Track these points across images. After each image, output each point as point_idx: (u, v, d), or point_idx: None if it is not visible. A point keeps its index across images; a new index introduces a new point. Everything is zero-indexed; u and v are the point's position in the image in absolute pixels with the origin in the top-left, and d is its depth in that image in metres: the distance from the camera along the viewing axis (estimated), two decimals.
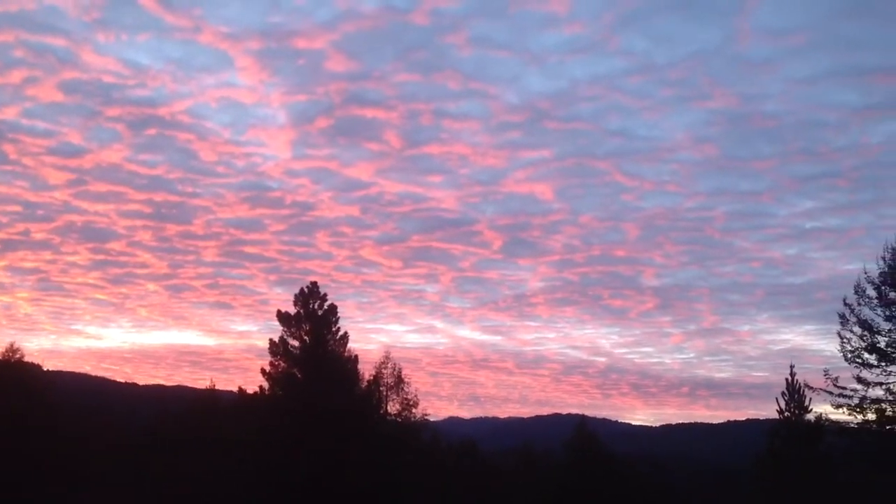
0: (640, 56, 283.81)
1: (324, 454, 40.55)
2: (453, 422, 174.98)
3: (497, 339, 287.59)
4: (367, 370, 47.00)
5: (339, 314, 45.53)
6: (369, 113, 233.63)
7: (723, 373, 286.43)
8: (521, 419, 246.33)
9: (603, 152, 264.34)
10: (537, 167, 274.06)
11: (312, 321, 44.57)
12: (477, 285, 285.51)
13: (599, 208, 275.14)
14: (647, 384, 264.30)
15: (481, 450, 71.85)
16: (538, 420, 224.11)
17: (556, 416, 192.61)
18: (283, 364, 44.13)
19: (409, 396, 47.56)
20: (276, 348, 44.16)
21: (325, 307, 45.18)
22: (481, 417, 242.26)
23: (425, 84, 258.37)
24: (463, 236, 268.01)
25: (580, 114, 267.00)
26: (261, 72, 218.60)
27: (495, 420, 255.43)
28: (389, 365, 47.88)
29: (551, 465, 66.23)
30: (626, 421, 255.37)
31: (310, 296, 45.16)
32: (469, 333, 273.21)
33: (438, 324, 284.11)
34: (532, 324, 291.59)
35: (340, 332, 45.20)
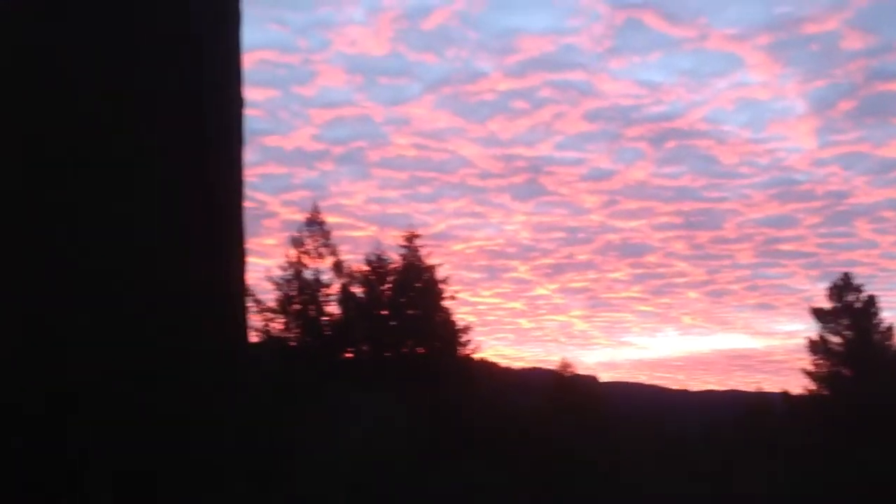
0: None
1: (884, 460, 37.40)
2: None
3: None
4: None
5: (878, 304, 42.11)
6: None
7: None
8: None
9: None
10: None
11: (851, 315, 41.78)
12: None
13: None
14: None
15: None
16: None
17: None
18: (825, 362, 42.01)
19: None
20: (816, 346, 42.21)
21: (864, 299, 42.05)
22: None
23: None
24: None
25: None
26: (773, 65, 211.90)
27: None
28: None
29: None
30: None
31: (844, 288, 42.42)
32: None
33: None
34: None
35: (884, 324, 41.69)
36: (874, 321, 41.78)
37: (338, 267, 35.32)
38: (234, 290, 2.87)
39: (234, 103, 3.06)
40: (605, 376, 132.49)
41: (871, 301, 42.07)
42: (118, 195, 2.59)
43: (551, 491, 38.73)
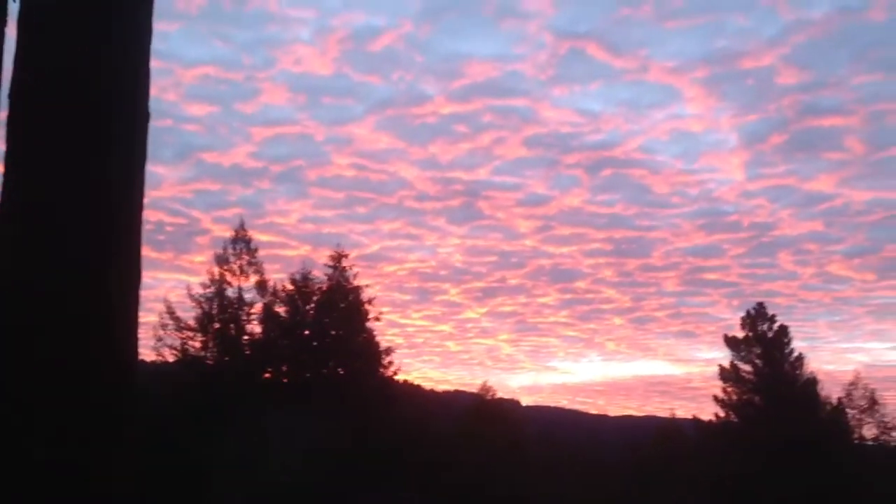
0: None
1: (789, 483, 38.46)
2: None
3: None
4: (839, 393, 44.20)
5: (791, 334, 43.27)
6: (827, 122, 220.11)
7: None
8: None
9: None
10: None
11: (762, 344, 42.86)
12: None
13: None
14: None
15: None
16: None
17: None
18: (735, 390, 42.98)
19: (885, 419, 43.72)
20: (728, 374, 43.16)
21: (775, 328, 43.19)
22: None
23: (889, 82, 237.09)
24: None
25: None
26: (708, 98, 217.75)
27: None
28: (860, 386, 44.57)
29: None
30: None
31: (757, 317, 43.54)
32: None
33: None
34: None
35: (795, 354, 42.79)
36: (785, 351, 42.85)
37: (262, 286, 35.02)
38: (123, 305, 2.87)
39: (137, 116, 3.14)
40: (527, 400, 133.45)
41: (783, 331, 43.18)
42: None
43: None
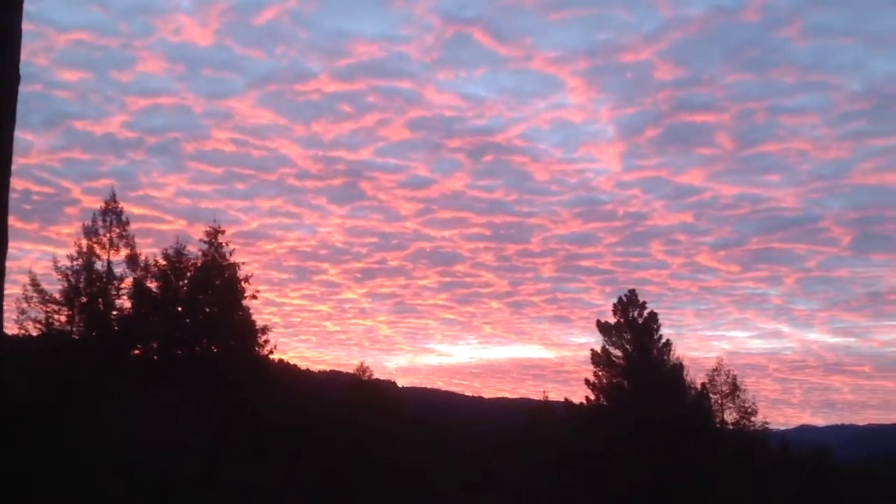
0: None
1: (653, 464, 39.94)
2: (806, 430, 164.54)
3: (851, 340, 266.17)
4: (703, 379, 46.13)
5: (660, 321, 44.80)
6: (699, 118, 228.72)
7: None
8: (884, 426, 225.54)
9: None
10: (887, 155, 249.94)
11: (633, 330, 44.25)
12: (825, 285, 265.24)
13: None
14: None
15: (838, 458, 67.25)
16: None
17: None
18: (606, 374, 44.24)
19: (746, 404, 45.88)
20: (599, 358, 44.36)
21: (645, 315, 44.63)
22: (837, 425, 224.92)
23: (758, 82, 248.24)
24: (807, 234, 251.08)
25: None
26: (589, 90, 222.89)
27: (853, 427, 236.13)
28: (722, 372, 46.61)
29: None
30: None
31: (629, 304, 44.89)
32: (819, 336, 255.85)
33: (784, 328, 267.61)
34: (891, 323, 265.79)
35: (663, 340, 44.38)
36: (654, 337, 44.36)
37: (133, 260, 33.80)
38: None
39: (5, 78, 2.92)
40: (403, 381, 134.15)
41: (653, 318, 44.69)
42: None
43: (344, 492, 38.72)
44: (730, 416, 46.19)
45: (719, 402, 46.26)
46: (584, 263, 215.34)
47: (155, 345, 34.65)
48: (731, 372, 46.63)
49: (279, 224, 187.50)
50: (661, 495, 39.73)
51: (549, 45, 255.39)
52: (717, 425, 45.80)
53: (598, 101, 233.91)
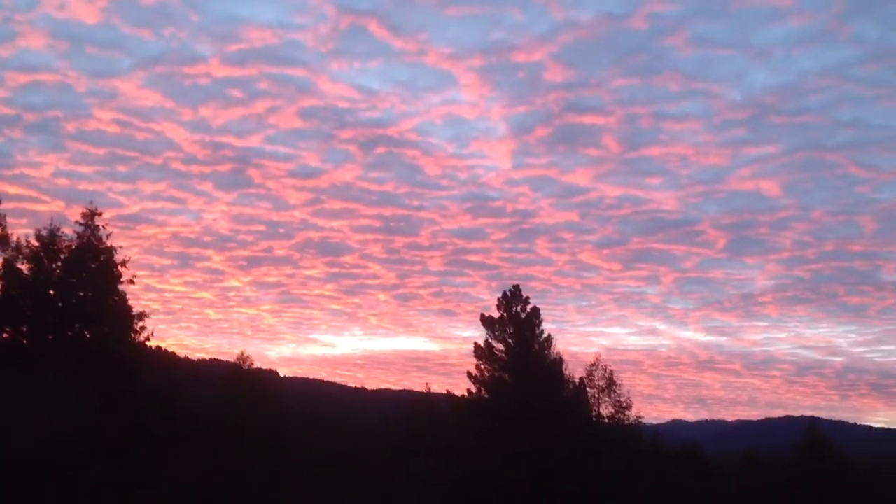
0: (874, 43, 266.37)
1: (531, 457, 40.67)
2: (677, 424, 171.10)
3: (723, 339, 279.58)
4: (581, 373, 47.14)
5: (542, 316, 45.56)
6: (588, 120, 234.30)
7: None
8: (751, 422, 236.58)
9: (834, 144, 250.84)
10: (763, 163, 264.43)
11: (515, 324, 44.88)
12: (700, 286, 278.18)
13: (831, 202, 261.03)
14: (889, 384, 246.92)
15: (707, 453, 69.93)
16: (769, 423, 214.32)
17: (789, 418, 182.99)
18: (488, 367, 44.74)
19: (621, 399, 47.17)
20: (482, 352, 44.80)
21: (528, 310, 45.31)
22: (707, 420, 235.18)
23: (644, 87, 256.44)
24: (685, 236, 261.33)
25: (809, 106, 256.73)
26: (482, 87, 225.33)
27: (722, 423, 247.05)
28: (600, 367, 47.77)
29: (778, 469, 63.14)
30: (866, 423, 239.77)
31: (512, 299, 45.47)
32: (693, 335, 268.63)
33: (660, 325, 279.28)
34: (760, 324, 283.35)
35: (545, 335, 45.13)
36: (536, 332, 45.10)
37: (3, 240, 32.36)
38: None
39: None
40: (286, 371, 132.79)
41: (535, 313, 45.40)
42: None
43: (221, 482, 38.10)
44: (606, 410, 47.41)
45: (596, 396, 47.43)
46: (472, 258, 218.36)
47: (25, 329, 33.23)
48: (609, 367, 47.89)
49: (162, 209, 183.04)
50: (539, 486, 40.52)
51: (444, 41, 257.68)
52: (594, 419, 46.95)
53: (491, 99, 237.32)
